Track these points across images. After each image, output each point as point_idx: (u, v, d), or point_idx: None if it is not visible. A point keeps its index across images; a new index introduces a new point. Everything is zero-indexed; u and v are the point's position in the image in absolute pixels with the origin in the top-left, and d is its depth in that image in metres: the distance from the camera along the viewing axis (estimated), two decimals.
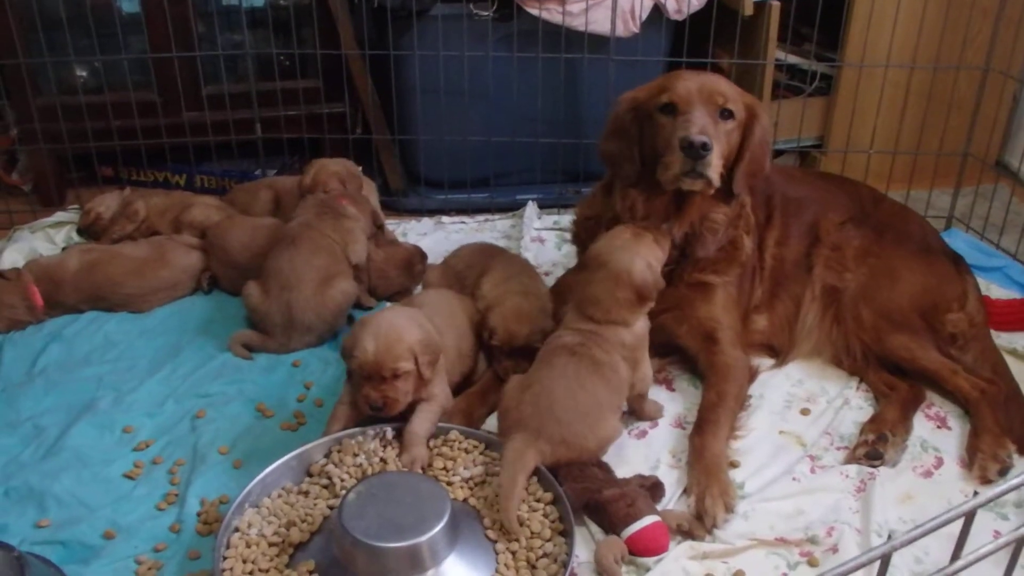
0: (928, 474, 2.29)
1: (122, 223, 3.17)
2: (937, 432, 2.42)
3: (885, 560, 1.01)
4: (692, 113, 2.27)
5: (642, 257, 2.23)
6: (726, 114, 2.31)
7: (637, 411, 2.41)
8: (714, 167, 2.25)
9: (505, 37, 3.35)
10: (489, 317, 2.47)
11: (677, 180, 2.27)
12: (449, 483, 2.10)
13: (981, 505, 1.05)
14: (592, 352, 2.19)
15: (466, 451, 2.20)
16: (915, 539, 1.01)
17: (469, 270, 2.73)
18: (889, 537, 0.99)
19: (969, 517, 1.06)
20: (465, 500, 2.06)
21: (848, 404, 2.51)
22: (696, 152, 2.21)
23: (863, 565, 0.98)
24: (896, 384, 2.52)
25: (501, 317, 2.45)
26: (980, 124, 3.38)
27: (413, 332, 2.13)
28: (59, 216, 3.48)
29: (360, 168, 3.22)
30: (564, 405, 2.12)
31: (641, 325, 2.26)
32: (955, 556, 1.08)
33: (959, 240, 3.27)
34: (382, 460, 2.13)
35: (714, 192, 2.33)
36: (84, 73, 3.63)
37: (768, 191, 2.66)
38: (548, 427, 2.09)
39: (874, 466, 2.26)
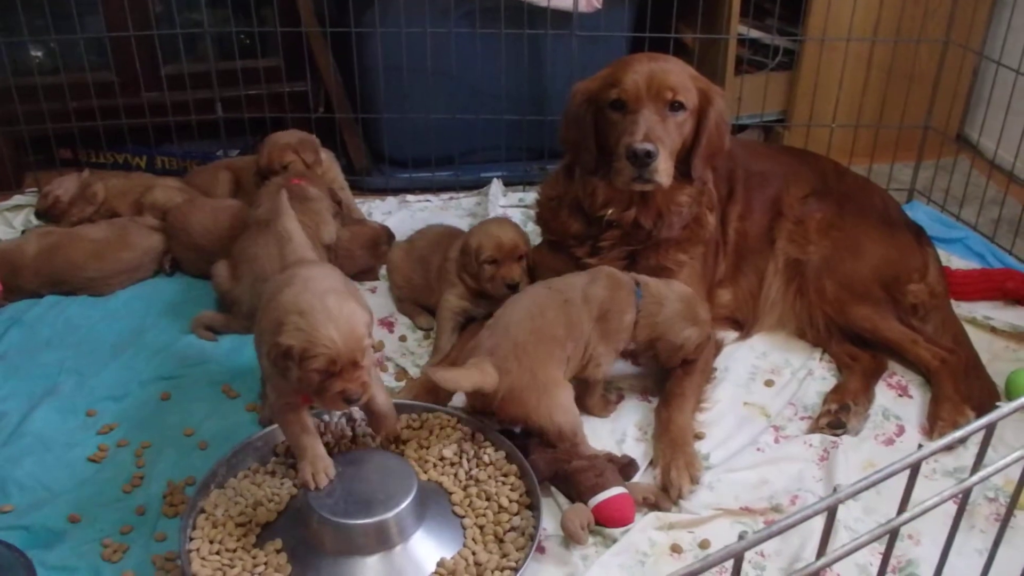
0: (890, 442, 2.33)
1: (81, 206, 3.13)
2: (899, 401, 2.46)
3: (831, 512, 1.02)
4: (639, 114, 2.27)
5: None
6: (676, 106, 2.31)
7: (584, 399, 2.33)
8: (662, 171, 2.26)
9: (468, 14, 3.32)
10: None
11: (628, 184, 2.29)
12: (426, 460, 2.10)
13: (925, 457, 1.06)
14: (567, 293, 2.24)
15: (440, 427, 2.20)
16: (860, 491, 1.02)
17: (433, 255, 2.73)
18: (835, 490, 1.01)
19: (914, 469, 1.08)
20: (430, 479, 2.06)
21: (811, 375, 2.54)
22: (641, 160, 2.22)
23: (808, 518, 0.99)
24: (858, 355, 2.55)
25: None
26: (941, 97, 3.40)
27: (358, 305, 1.91)
28: (17, 199, 3.43)
29: (318, 140, 3.19)
30: (520, 325, 2.18)
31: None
32: (901, 509, 1.10)
33: (920, 212, 3.31)
34: (351, 440, 2.13)
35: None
36: (39, 54, 3.56)
37: (730, 166, 2.67)
38: (502, 344, 2.14)
39: (837, 435, 2.29)
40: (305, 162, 3.03)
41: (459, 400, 2.34)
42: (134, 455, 2.24)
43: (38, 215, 3.20)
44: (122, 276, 2.91)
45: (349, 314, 1.82)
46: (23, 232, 3.15)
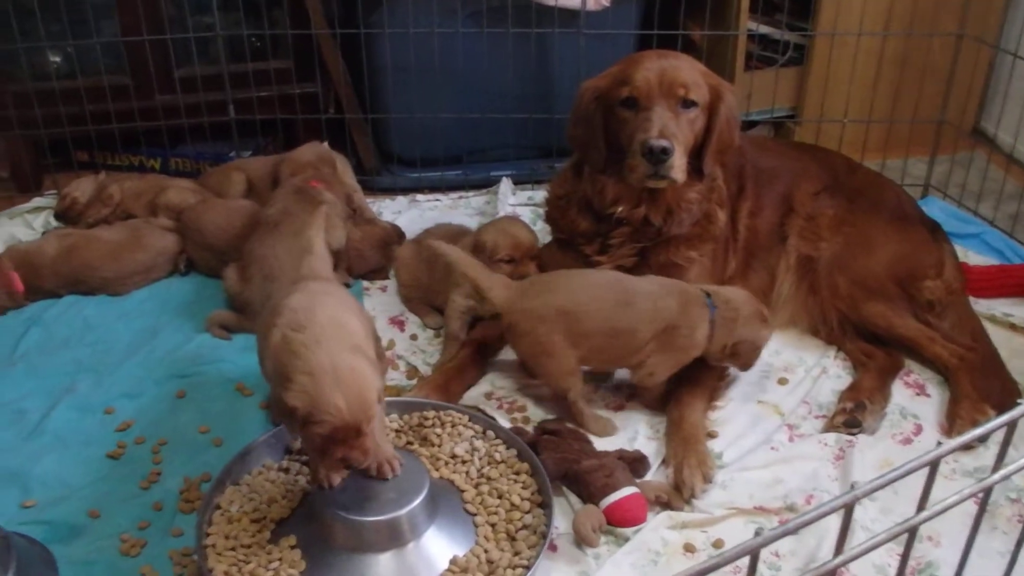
0: (907, 441, 2.30)
1: (97, 207, 3.15)
2: (916, 399, 2.43)
3: (849, 509, 1.01)
4: (652, 111, 2.27)
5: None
6: (688, 103, 2.31)
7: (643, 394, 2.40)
8: (677, 168, 2.26)
9: (475, 13, 3.34)
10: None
11: (643, 181, 2.29)
12: (437, 458, 2.11)
13: (944, 454, 1.04)
14: (637, 301, 2.25)
15: (452, 425, 2.21)
16: (878, 488, 1.00)
17: (438, 256, 2.73)
18: (852, 487, 0.99)
19: (933, 467, 1.06)
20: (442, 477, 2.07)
21: (826, 373, 2.52)
22: (657, 157, 2.22)
23: (825, 515, 0.98)
24: (873, 352, 2.52)
25: None
26: (955, 91, 3.37)
27: (369, 366, 1.78)
28: (36, 201, 3.47)
29: (331, 150, 3.20)
30: (574, 299, 2.22)
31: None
32: (920, 507, 1.08)
33: (936, 208, 3.28)
34: None
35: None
36: (57, 59, 3.59)
37: (740, 162, 2.66)
38: (547, 300, 2.22)
39: (853, 434, 2.27)
40: (324, 178, 3.05)
41: (470, 398, 2.34)
42: (151, 452, 2.26)
43: (57, 217, 3.23)
44: (137, 276, 2.94)
45: (360, 380, 1.72)
46: (43, 233, 3.19)
